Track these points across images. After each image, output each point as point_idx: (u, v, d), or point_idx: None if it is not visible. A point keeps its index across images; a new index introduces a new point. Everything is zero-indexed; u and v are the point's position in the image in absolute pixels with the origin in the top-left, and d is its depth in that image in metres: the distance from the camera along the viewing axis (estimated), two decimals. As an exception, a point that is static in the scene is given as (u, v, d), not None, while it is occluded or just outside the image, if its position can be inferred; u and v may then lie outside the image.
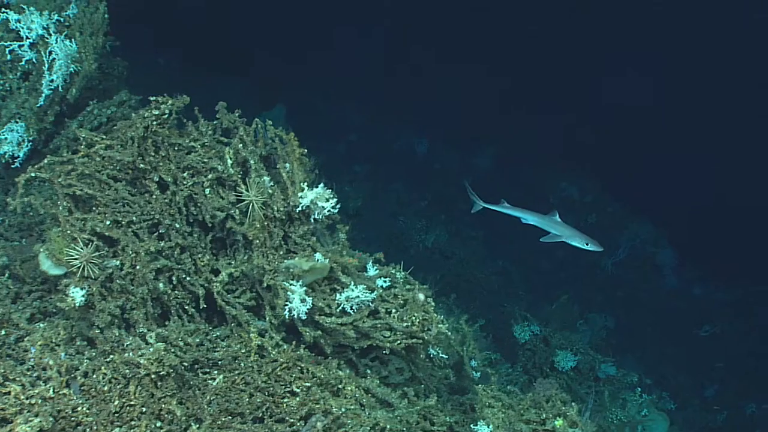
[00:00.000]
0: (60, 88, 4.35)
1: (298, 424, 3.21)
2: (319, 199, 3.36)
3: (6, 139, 4.36)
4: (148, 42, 12.78)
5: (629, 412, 5.90)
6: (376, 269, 3.76)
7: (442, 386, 4.48)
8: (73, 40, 4.29)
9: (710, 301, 13.85)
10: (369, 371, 3.73)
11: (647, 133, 16.54)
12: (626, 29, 18.49)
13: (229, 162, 3.44)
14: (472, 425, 3.76)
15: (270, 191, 3.38)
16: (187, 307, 3.48)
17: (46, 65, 4.33)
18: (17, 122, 4.39)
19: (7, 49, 4.32)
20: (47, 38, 4.32)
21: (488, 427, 3.72)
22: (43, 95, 4.36)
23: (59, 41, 4.29)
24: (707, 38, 18.21)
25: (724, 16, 18.18)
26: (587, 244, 6.19)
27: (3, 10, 4.23)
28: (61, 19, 4.34)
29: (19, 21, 4.25)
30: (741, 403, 10.34)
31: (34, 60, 4.35)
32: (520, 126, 15.45)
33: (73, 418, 2.96)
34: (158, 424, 3.01)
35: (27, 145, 4.39)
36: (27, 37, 4.28)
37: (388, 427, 3.43)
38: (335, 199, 3.43)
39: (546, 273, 12.41)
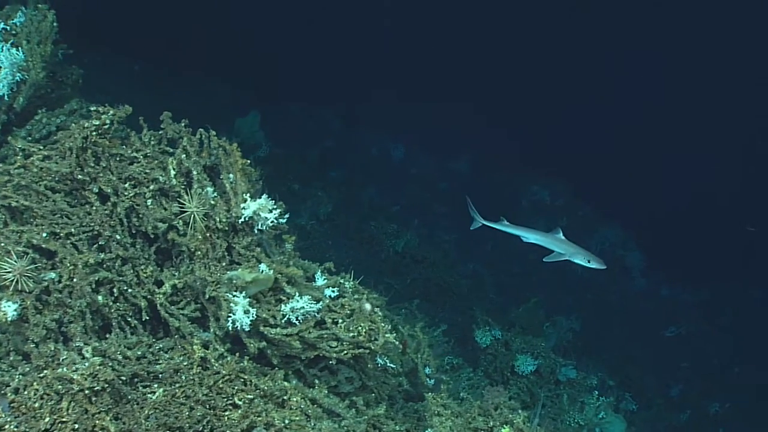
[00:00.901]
0: (6, 96, 4.18)
1: (239, 437, 3.11)
2: (262, 209, 3.27)
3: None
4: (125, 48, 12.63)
5: (587, 414, 5.86)
6: (324, 279, 3.67)
7: (396, 394, 4.41)
8: (20, 48, 4.14)
9: (677, 302, 13.93)
10: (317, 381, 3.64)
11: (617, 139, 16.61)
12: (597, 37, 18.56)
13: (172, 173, 3.34)
14: (420, 435, 3.68)
15: (212, 202, 3.27)
16: (129, 320, 3.36)
17: (-9, 73, 4.18)
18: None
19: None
20: (-6, 47, 4.18)
21: (436, 436, 3.65)
22: (-12, 103, 4.21)
23: (5, 50, 4.14)
24: (675, 44, 18.33)
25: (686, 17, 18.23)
26: (589, 262, 5.90)
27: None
28: (8, 28, 4.20)
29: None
30: (705, 402, 10.38)
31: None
32: (494, 132, 15.42)
33: (2, 437, 2.83)
34: (91, 440, 2.89)
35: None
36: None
37: (333, 438, 3.35)
38: (278, 210, 3.34)
39: (517, 276, 12.38)
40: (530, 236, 6.28)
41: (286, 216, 3.70)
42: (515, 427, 3.65)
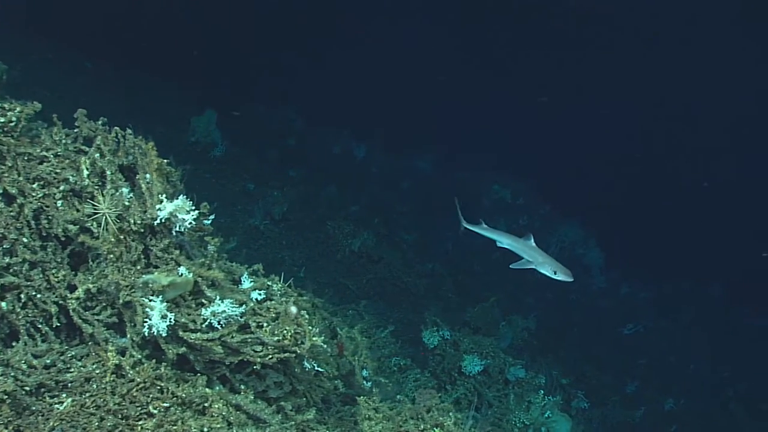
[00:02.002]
0: None
1: (154, 447, 2.99)
2: (179, 210, 3.15)
3: None
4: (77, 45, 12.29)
5: (532, 414, 5.87)
6: (251, 282, 3.57)
7: (333, 397, 4.34)
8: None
9: (636, 300, 14.13)
10: (243, 387, 3.54)
11: (577, 140, 16.83)
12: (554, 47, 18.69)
13: (85, 172, 3.20)
14: (349, 440, 3.61)
15: (127, 203, 3.15)
16: (39, 326, 3.21)
17: None
18: None
19: None
20: None
21: (365, 441, 3.58)
22: None
23: None
24: (626, 49, 18.55)
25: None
26: (555, 273, 5.69)
27: None
28: None
29: None
30: (660, 399, 10.53)
31: None
32: (457, 132, 15.47)
33: None
34: (-11, 455, 2.74)
35: None
36: None
37: (256, 446, 3.26)
38: (197, 211, 3.22)
39: (478, 275, 12.40)
40: (504, 241, 6.17)
41: (211, 217, 3.60)
42: (445, 430, 3.61)
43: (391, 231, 11.79)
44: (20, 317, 3.14)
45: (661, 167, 17.68)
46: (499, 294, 10.49)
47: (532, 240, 6.03)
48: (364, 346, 4.45)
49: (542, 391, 6.10)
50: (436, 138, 15.36)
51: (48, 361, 3.13)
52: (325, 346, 3.57)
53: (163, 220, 3.15)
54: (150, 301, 3.11)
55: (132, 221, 3.13)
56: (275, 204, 9.17)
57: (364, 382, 4.36)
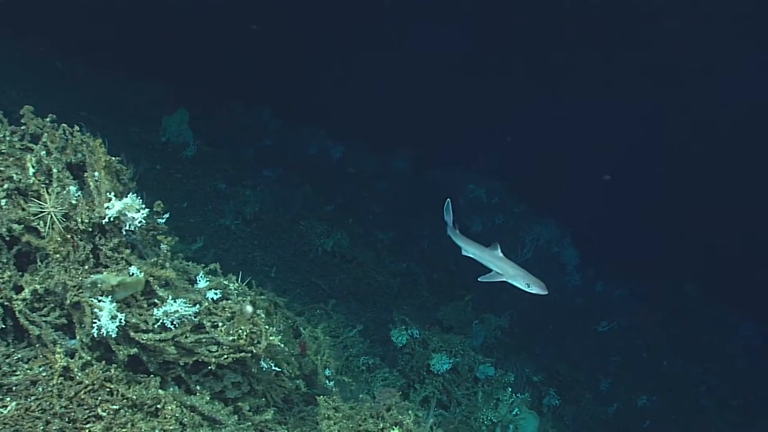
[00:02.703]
0: None
1: (102, 451, 2.93)
2: (129, 209, 3.09)
3: None
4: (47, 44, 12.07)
5: (500, 412, 5.87)
6: (207, 281, 3.52)
7: (296, 397, 4.30)
8: None
9: (610, 298, 14.26)
10: (199, 387, 3.48)
11: (552, 141, 16.95)
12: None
13: (31, 170, 3.12)
14: (307, 439, 3.57)
15: (74, 201, 3.08)
16: (-14, 328, 3.13)
17: None
18: None
19: None
20: None
21: (324, 440, 3.55)
22: None
23: None
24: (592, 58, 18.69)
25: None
26: (529, 286, 5.39)
27: None
28: None
29: None
30: (633, 395, 10.62)
31: None
32: (433, 132, 15.49)
33: None
34: (-72, 461, 2.66)
35: None
36: None
37: (209, 447, 3.21)
38: (147, 210, 3.16)
39: (454, 274, 12.42)
40: (469, 250, 5.83)
41: (165, 216, 3.54)
42: (404, 428, 3.59)
43: (367, 230, 11.77)
44: (-36, 319, 3.06)
45: (636, 169, 17.86)
46: (474, 292, 10.53)
47: (499, 250, 5.67)
48: (326, 345, 4.42)
49: (510, 389, 6.10)
50: (413, 139, 15.36)
51: (-7, 364, 3.05)
52: (282, 345, 3.53)
53: (112, 219, 3.09)
54: (99, 301, 3.05)
55: (79, 220, 3.06)
56: (247, 204, 9.09)
57: (327, 381, 4.33)
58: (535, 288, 5.46)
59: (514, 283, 5.52)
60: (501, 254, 5.67)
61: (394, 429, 3.54)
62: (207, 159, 10.46)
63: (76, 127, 3.27)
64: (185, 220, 7.89)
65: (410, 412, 3.62)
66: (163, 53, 14.17)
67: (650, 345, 13.06)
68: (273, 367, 3.52)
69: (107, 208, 3.07)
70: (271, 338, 3.45)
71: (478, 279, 5.74)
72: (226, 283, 3.59)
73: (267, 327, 3.46)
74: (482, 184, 14.41)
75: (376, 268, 9.61)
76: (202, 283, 3.50)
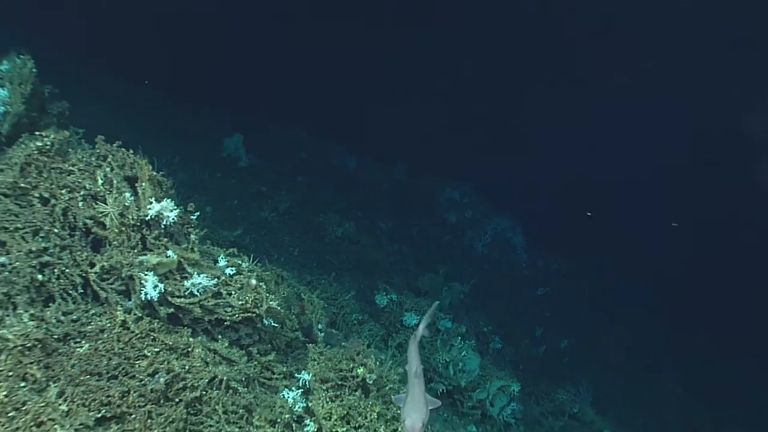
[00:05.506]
0: None
1: (146, 378, 3.00)
2: (165, 209, 3.13)
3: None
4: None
5: (452, 353, 5.89)
6: (226, 261, 3.56)
7: (297, 344, 4.32)
8: (4, 88, 3.90)
9: (547, 271, 14.11)
10: (221, 336, 3.54)
11: (507, 154, 16.77)
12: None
13: (100, 182, 3.18)
14: (296, 374, 3.61)
15: (127, 204, 3.13)
16: (70, 292, 3.20)
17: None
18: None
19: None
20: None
21: (308, 374, 3.58)
22: (-19, 129, 3.95)
23: None
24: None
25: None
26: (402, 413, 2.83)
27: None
28: None
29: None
30: (558, 340, 10.54)
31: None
32: (421, 149, 15.36)
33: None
34: (21, 384, 2.74)
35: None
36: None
37: (225, 378, 3.26)
38: (176, 210, 3.20)
39: (434, 252, 12.38)
40: (412, 364, 3.03)
41: (196, 214, 3.58)
42: (368, 367, 3.61)
43: (370, 221, 11.75)
44: (54, 286, 3.14)
45: (571, 172, 17.53)
46: (447, 267, 10.48)
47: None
48: (320, 306, 4.44)
49: (460, 338, 6.09)
50: (408, 154, 15.27)
51: (74, 317, 3.12)
52: (280, 309, 3.56)
53: (153, 216, 3.14)
54: (145, 275, 3.11)
55: (130, 217, 3.11)
56: (281, 201, 9.13)
57: (319, 333, 4.36)
58: (407, 420, 2.73)
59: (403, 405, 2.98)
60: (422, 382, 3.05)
61: (360, 368, 3.56)
62: (255, 169, 10.50)
63: (131, 151, 3.31)
64: (234, 213, 7.96)
65: (372, 356, 3.65)
66: (223, 89, 14.02)
67: (572, 304, 12.92)
68: (272, 324, 3.55)
69: (149, 208, 3.12)
70: (270, 303, 3.48)
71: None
72: (239, 262, 3.62)
73: (267, 295, 3.49)
74: (456, 187, 14.30)
75: (376, 249, 9.60)
76: (222, 262, 3.54)
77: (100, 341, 3.07)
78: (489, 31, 17.72)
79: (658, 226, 16.08)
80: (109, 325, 3.16)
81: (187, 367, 3.16)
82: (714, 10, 15.15)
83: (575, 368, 9.76)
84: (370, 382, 3.65)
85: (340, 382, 3.66)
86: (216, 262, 3.52)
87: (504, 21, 17.36)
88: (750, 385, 12.62)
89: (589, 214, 13.18)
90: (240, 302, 3.37)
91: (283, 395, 3.49)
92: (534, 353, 9.34)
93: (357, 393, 3.64)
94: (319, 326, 4.37)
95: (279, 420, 3.32)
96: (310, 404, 3.51)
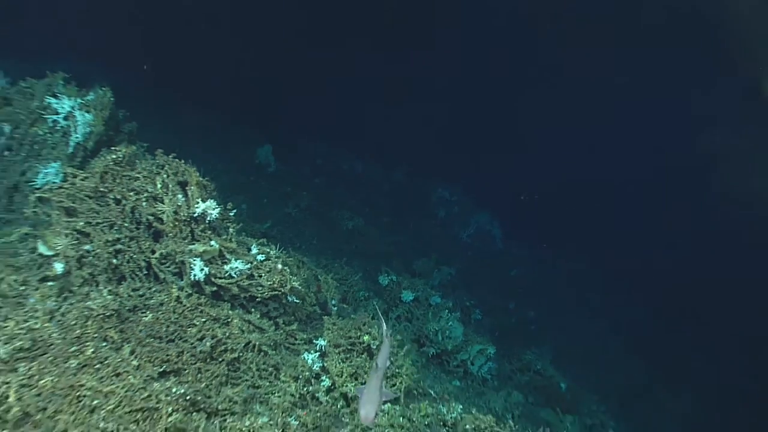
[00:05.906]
0: (81, 141, 4.12)
1: (196, 342, 3.17)
2: (209, 208, 3.29)
3: (48, 172, 4.13)
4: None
5: (440, 323, 6.03)
6: (257, 249, 3.72)
7: (315, 316, 4.46)
8: (90, 113, 4.06)
9: (520, 256, 14.18)
10: (254, 309, 3.70)
11: (489, 160, 16.74)
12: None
13: (159, 186, 3.34)
14: (314, 340, 3.77)
15: (179, 204, 3.29)
16: (137, 273, 3.38)
17: (73, 128, 4.11)
18: (55, 162, 4.16)
19: (50, 120, 4.10)
20: (74, 113, 4.10)
21: (324, 340, 3.74)
22: (71, 145, 4.13)
23: (80, 114, 4.07)
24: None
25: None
26: (357, 404, 3.17)
27: (48, 98, 4.02)
28: (83, 101, 4.12)
29: (56, 103, 4.05)
30: (527, 311, 10.62)
31: (67, 126, 4.12)
32: (417, 155, 15.37)
33: (48, 341, 2.86)
34: (103, 343, 2.93)
35: (60, 176, 4.16)
36: (60, 112, 4.06)
37: (257, 343, 3.43)
38: (218, 209, 3.34)
39: (427, 242, 12.48)
40: (379, 362, 2.61)
41: (234, 211, 3.72)
42: (372, 335, 3.76)
43: (375, 216, 11.86)
44: (125, 268, 3.31)
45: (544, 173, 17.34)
46: (437, 253, 10.59)
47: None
48: (333, 286, 4.59)
49: (447, 310, 6.23)
50: (406, 159, 15.29)
51: (140, 293, 3.30)
52: (301, 288, 3.71)
53: (199, 214, 3.29)
54: (193, 260, 3.27)
55: (182, 214, 3.27)
56: (302, 200, 9.27)
57: (333, 307, 4.51)
58: (361, 411, 2.42)
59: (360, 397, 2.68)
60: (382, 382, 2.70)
61: (366, 336, 3.71)
62: (281, 174, 10.64)
63: (182, 161, 3.46)
64: (265, 209, 8.11)
65: (375, 327, 3.80)
66: (256, 106, 14.00)
67: (540, 282, 12.99)
68: (295, 300, 3.70)
69: (196, 207, 3.27)
70: (293, 283, 3.64)
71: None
72: (268, 250, 3.77)
73: (291, 277, 3.64)
74: (446, 187, 14.36)
75: (379, 240, 9.71)
76: (254, 250, 3.70)
77: (160, 312, 3.24)
78: (480, 53, 17.06)
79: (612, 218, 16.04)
80: (166, 299, 3.33)
81: (227, 334, 3.33)
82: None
83: (540, 334, 9.90)
84: (374, 347, 3.81)
85: (349, 347, 3.81)
86: (249, 250, 3.68)
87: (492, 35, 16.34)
88: (685, 350, 12.70)
89: (522, 197, 13.24)
90: (269, 283, 3.53)
91: (304, 357, 3.66)
92: (507, 322, 9.46)
93: (363, 356, 3.79)
94: (333, 302, 4.53)
95: (300, 377, 3.49)
96: (325, 364, 3.67)
